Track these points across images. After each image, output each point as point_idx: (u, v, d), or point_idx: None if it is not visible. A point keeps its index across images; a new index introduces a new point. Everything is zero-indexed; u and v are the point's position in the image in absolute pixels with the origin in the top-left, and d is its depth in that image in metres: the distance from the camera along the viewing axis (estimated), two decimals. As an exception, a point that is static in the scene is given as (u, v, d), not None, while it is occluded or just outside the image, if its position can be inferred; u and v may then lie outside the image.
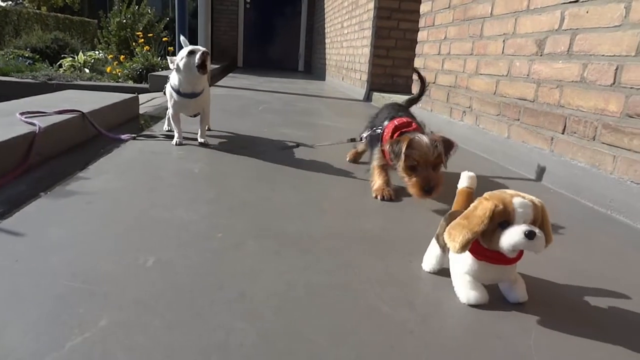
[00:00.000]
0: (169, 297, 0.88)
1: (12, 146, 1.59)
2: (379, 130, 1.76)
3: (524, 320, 0.89)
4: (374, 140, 1.80)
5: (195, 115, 2.33)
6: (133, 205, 1.36)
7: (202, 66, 2.05)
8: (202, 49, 2.08)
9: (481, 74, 2.61)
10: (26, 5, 16.18)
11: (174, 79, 2.17)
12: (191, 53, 2.06)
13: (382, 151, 1.68)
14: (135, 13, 7.46)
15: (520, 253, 0.91)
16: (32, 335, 0.73)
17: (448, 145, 1.52)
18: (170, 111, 2.25)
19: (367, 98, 5.11)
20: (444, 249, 1.00)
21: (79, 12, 17.91)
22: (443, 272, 1.04)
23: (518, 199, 0.87)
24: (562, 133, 1.89)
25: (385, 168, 1.72)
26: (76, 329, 0.75)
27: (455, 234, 0.88)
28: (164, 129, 2.53)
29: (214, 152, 2.11)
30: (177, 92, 2.15)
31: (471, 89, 2.73)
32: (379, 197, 1.61)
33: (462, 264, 0.95)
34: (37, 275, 0.92)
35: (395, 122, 1.67)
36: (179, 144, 2.19)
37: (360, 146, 2.13)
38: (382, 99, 4.62)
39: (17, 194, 1.40)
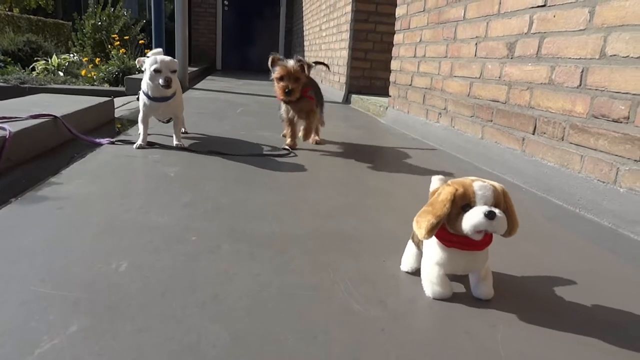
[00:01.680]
0: (141, 301, 0.87)
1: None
2: None
3: (492, 315, 0.92)
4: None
5: (168, 121, 2.31)
6: (106, 210, 1.35)
7: (166, 86, 2.06)
8: (169, 64, 2.06)
9: (455, 76, 2.66)
10: (-3, 7, 15.75)
11: (144, 83, 2.16)
12: (157, 72, 2.05)
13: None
14: (111, 15, 7.35)
15: (489, 238, 0.94)
16: (-1, 343, 0.72)
17: (308, 65, 2.22)
18: (140, 114, 2.21)
19: (346, 100, 5.15)
20: (419, 245, 1.02)
21: (52, 14, 17.56)
22: (418, 271, 1.06)
23: (478, 183, 0.90)
24: (533, 134, 1.94)
25: (290, 120, 2.38)
26: (45, 335, 0.74)
27: (422, 221, 0.91)
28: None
29: (190, 156, 2.10)
30: (147, 96, 2.15)
31: (446, 91, 2.78)
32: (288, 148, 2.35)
33: (432, 254, 0.96)
34: (4, 282, 0.91)
35: None
36: (140, 147, 2.15)
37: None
38: (361, 100, 4.66)
39: (-15, 200, 1.37)
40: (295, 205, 1.54)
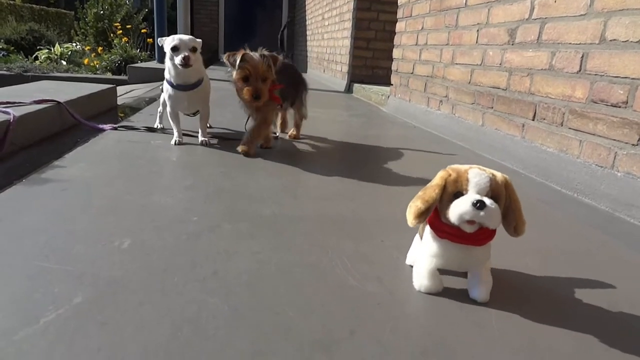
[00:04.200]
0: (143, 276, 0.89)
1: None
2: None
3: (486, 292, 0.93)
4: None
5: (195, 114, 2.17)
6: (109, 192, 1.37)
7: (184, 65, 1.89)
8: (188, 42, 1.90)
9: (457, 64, 2.66)
10: (-1, -4, 15.70)
11: (166, 69, 2.00)
12: (175, 49, 1.89)
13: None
14: (113, 4, 7.34)
15: (489, 233, 0.86)
16: (4, 313, 0.75)
17: (274, 60, 1.83)
18: (167, 108, 2.06)
19: (348, 89, 5.14)
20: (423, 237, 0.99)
21: (54, 4, 17.50)
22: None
23: (474, 170, 0.83)
24: (533, 120, 1.95)
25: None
26: (50, 306, 0.77)
27: (412, 206, 0.87)
28: (156, 126, 2.33)
29: (191, 141, 2.11)
30: (171, 84, 1.99)
31: (447, 79, 2.78)
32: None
33: (427, 245, 0.91)
34: (9, 258, 0.93)
35: None
36: (179, 144, 2.02)
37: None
38: (363, 90, 4.66)
39: (-10, 182, 1.39)
40: (295, 189, 1.55)
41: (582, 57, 1.66)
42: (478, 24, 2.42)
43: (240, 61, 1.76)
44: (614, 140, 1.51)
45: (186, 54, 1.88)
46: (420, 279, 0.91)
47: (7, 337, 0.69)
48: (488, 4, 2.32)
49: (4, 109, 1.80)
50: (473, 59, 2.46)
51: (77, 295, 0.81)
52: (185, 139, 2.09)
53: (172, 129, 2.09)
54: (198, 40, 1.97)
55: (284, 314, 0.80)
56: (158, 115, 2.36)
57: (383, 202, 1.49)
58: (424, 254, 0.92)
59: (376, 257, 1.06)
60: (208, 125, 2.29)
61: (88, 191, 1.37)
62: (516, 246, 1.16)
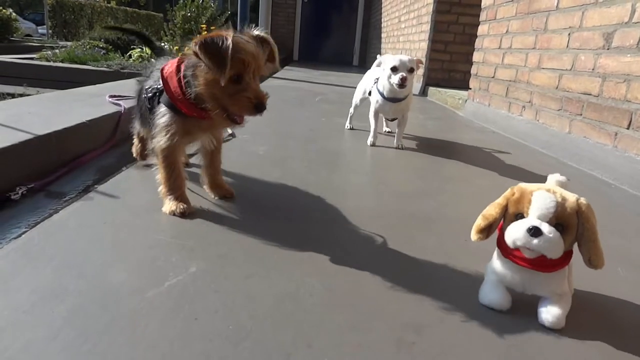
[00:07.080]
0: (247, 253, 0.99)
1: (102, 123, 1.78)
2: (159, 85, 1.17)
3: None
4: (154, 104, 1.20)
5: (392, 120, 2.31)
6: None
7: (401, 85, 2.00)
8: (407, 63, 1.99)
9: (543, 68, 2.57)
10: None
11: (380, 81, 2.14)
12: (394, 70, 2.00)
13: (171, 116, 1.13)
14: (199, 7, 7.79)
15: (557, 261, 0.78)
16: (135, 275, 0.87)
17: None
18: (371, 109, 2.23)
19: (423, 92, 5.10)
20: None
21: (144, 6, 18.87)
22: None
23: (540, 192, 0.77)
24: (627, 128, 1.86)
25: (175, 154, 1.18)
26: (171, 272, 0.88)
27: (477, 221, 0.86)
28: (346, 126, 2.60)
29: (276, 136, 2.23)
30: (382, 95, 2.14)
31: (532, 84, 2.69)
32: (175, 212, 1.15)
33: (494, 259, 0.88)
34: (132, 230, 1.06)
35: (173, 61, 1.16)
36: (372, 145, 2.17)
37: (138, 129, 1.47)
38: (439, 93, 4.60)
39: (107, 165, 1.57)
40: (376, 186, 1.60)
41: (689, 63, 1.56)
42: (570, 27, 2.33)
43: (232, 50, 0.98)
44: None
45: (404, 74, 1.98)
46: (486, 292, 0.87)
47: (140, 294, 0.80)
48: (582, 7, 2.23)
49: (116, 102, 2.02)
50: (562, 63, 2.37)
51: (192, 265, 0.91)
52: (271, 135, 2.20)
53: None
54: (414, 59, 2.03)
55: (376, 297, 0.86)
56: (349, 116, 2.62)
57: (464, 203, 1.50)
58: (490, 267, 0.89)
59: (460, 254, 1.08)
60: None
61: (191, 176, 1.50)
62: (606, 259, 1.14)
